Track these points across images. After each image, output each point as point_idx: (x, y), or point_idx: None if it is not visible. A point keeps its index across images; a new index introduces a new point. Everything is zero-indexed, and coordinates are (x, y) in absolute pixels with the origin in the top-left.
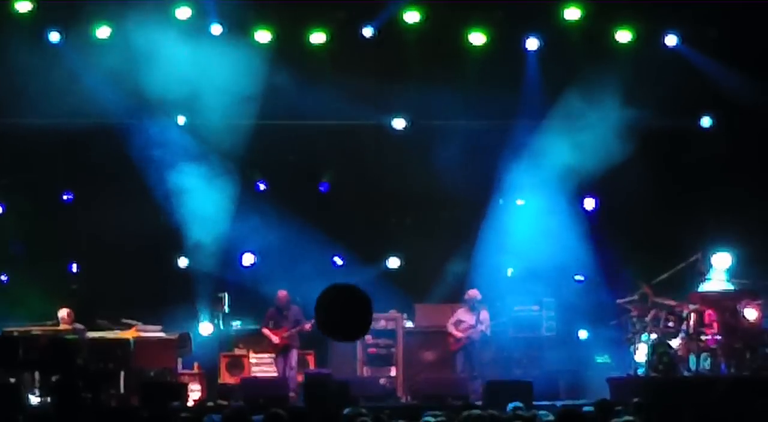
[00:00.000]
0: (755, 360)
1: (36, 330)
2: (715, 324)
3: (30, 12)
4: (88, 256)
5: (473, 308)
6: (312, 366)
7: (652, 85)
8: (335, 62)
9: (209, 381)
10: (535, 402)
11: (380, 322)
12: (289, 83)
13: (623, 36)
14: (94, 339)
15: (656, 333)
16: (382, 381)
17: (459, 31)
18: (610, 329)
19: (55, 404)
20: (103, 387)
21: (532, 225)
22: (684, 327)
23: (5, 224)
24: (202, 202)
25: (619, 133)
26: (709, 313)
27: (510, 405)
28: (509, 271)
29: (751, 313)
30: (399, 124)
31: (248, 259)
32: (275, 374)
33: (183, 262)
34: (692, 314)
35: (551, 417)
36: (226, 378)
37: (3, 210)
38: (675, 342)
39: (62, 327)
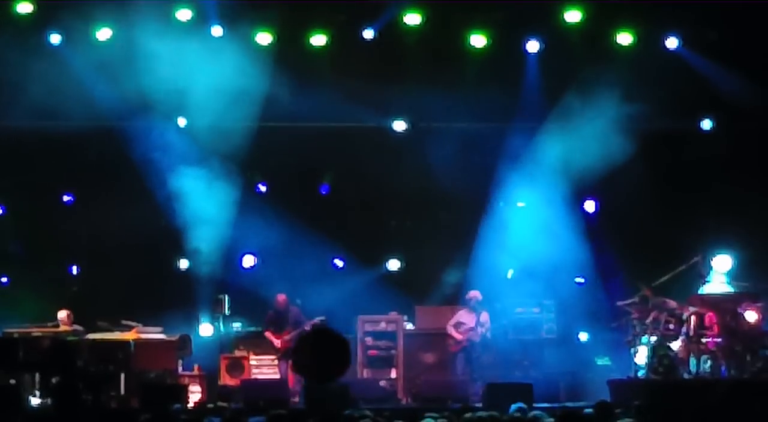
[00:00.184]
0: (755, 363)
1: (36, 331)
2: (715, 327)
3: (30, 13)
4: (88, 258)
5: (474, 309)
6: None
7: (653, 87)
8: (336, 64)
9: (209, 382)
10: (535, 404)
11: (380, 324)
12: (290, 85)
13: (624, 38)
14: (94, 341)
15: (656, 335)
16: (382, 383)
17: (459, 33)
18: (610, 331)
19: (55, 405)
20: (104, 388)
21: (532, 228)
22: (684, 329)
23: (5, 225)
24: (203, 204)
25: (619, 135)
26: (709, 316)
27: (513, 407)
28: (509, 273)
29: (751, 316)
30: (399, 126)
31: (248, 261)
32: (275, 376)
33: (183, 264)
34: (692, 316)
35: (550, 420)
36: (227, 380)
37: (3, 210)
38: (675, 345)
39: (62, 328)
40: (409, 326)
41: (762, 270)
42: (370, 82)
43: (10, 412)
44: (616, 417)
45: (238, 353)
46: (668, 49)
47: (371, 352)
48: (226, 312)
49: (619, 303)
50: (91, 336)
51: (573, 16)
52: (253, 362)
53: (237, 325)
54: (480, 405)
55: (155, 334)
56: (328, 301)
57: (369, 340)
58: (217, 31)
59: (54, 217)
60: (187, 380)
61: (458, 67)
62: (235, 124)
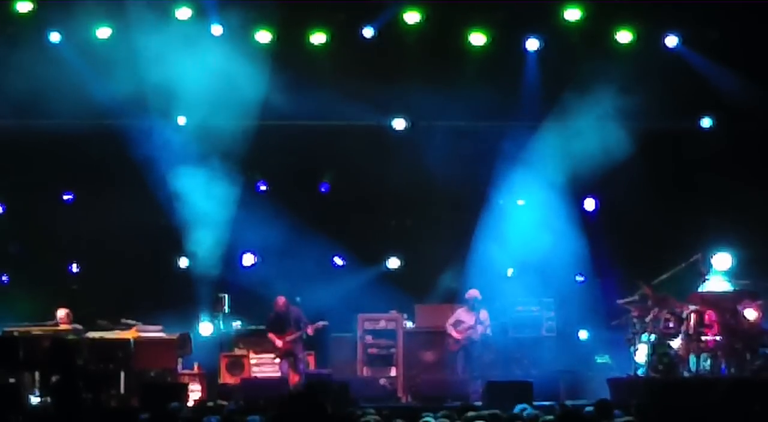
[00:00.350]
0: (755, 361)
1: (36, 330)
2: (715, 325)
3: (30, 12)
4: (88, 257)
5: (473, 308)
6: (312, 367)
7: (652, 85)
8: (335, 63)
9: (209, 381)
10: (535, 403)
11: (380, 323)
12: (286, 88)
13: (623, 37)
14: (94, 340)
15: (656, 333)
16: (382, 381)
17: (459, 31)
18: (610, 330)
19: (55, 404)
20: (104, 387)
21: (532, 226)
22: (684, 327)
23: (5, 224)
24: (203, 203)
25: (619, 133)
26: (709, 314)
27: (517, 407)
28: (509, 271)
29: (751, 314)
30: (399, 124)
31: (248, 260)
32: (275, 374)
33: (183, 263)
34: (692, 315)
35: (549, 418)
36: (227, 379)
37: (3, 210)
38: (675, 343)
39: (62, 327)
40: (409, 324)
41: (762, 268)
42: (370, 81)
43: (10, 411)
44: (616, 416)
45: (238, 352)
46: (668, 47)
47: (371, 351)
48: (226, 310)
49: (619, 301)
50: (90, 335)
51: (573, 14)
52: (253, 361)
53: (237, 324)
54: (480, 403)
55: (155, 333)
56: (328, 300)
57: (369, 339)
58: (216, 29)
59: (54, 217)
60: (187, 379)
61: (458, 66)
62: (235, 123)
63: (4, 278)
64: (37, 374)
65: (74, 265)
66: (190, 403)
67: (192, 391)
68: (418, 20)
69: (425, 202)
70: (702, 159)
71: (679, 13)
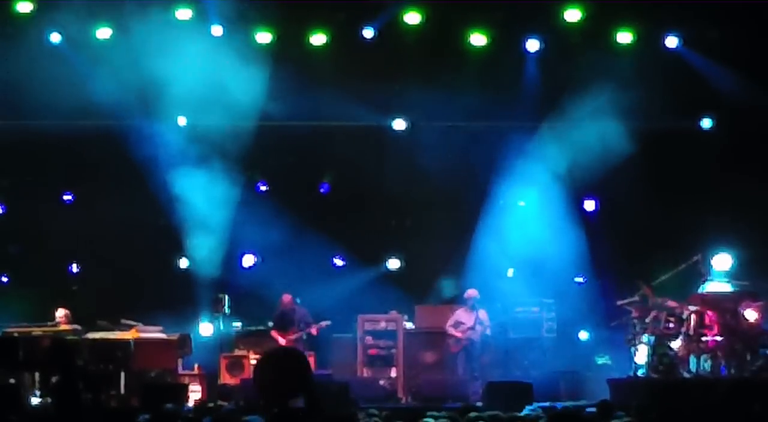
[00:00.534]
0: (755, 362)
1: (36, 330)
2: (715, 326)
3: (30, 12)
4: (88, 257)
5: (473, 308)
6: (312, 368)
7: (653, 86)
8: (336, 63)
9: (209, 381)
10: (534, 403)
11: (380, 323)
12: (290, 84)
13: (624, 37)
14: (94, 340)
15: (656, 334)
16: (382, 382)
17: (459, 32)
18: (610, 330)
19: (55, 405)
20: (104, 388)
21: (532, 227)
22: (684, 328)
23: (5, 224)
24: (202, 203)
25: (619, 133)
26: (709, 315)
27: (527, 408)
28: (510, 272)
29: (751, 315)
30: (399, 125)
31: (249, 260)
32: None
33: (183, 263)
34: (692, 315)
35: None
36: (227, 379)
37: (3, 210)
38: (675, 344)
39: (62, 327)
40: (409, 325)
41: (762, 269)
42: (370, 81)
43: (10, 411)
44: (616, 417)
45: (238, 352)
46: (668, 47)
47: (371, 351)
48: (226, 311)
49: (619, 302)
50: (90, 335)
51: (573, 14)
52: (253, 361)
53: (237, 324)
54: (480, 404)
55: (155, 333)
56: (328, 300)
57: (369, 339)
58: (217, 30)
59: (54, 217)
60: (187, 379)
61: (458, 66)
62: (235, 123)
63: (4, 278)
64: (37, 374)
65: (74, 265)
66: (190, 403)
67: (192, 392)
68: (418, 20)
69: (425, 202)
70: (702, 159)
71: (679, 13)
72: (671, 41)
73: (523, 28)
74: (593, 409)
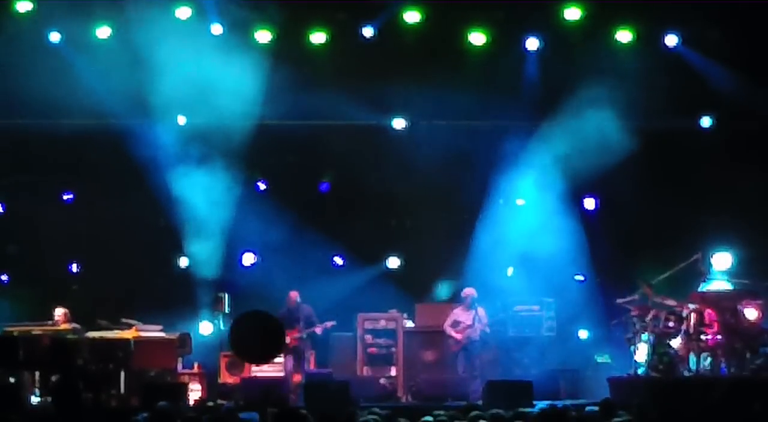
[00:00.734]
0: (755, 360)
1: (36, 330)
2: (715, 324)
3: (30, 12)
4: (88, 256)
5: (471, 306)
6: (312, 366)
7: (652, 85)
8: (335, 62)
9: (209, 381)
10: (535, 402)
11: (381, 322)
12: (290, 83)
13: (623, 36)
14: (94, 340)
15: (656, 333)
16: (382, 381)
17: (459, 31)
18: (610, 329)
19: (55, 404)
20: (103, 387)
21: (531, 225)
22: (684, 327)
23: (5, 224)
24: (202, 202)
25: (618, 132)
26: (709, 313)
27: (538, 406)
28: (509, 271)
29: (751, 313)
30: (399, 124)
31: (248, 259)
32: (275, 374)
33: (183, 262)
34: (692, 314)
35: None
36: (227, 378)
37: (3, 210)
38: (675, 342)
39: (62, 327)
40: (409, 324)
41: (762, 267)
42: (370, 80)
43: (10, 411)
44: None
45: None
46: (668, 47)
47: (371, 350)
48: (226, 310)
49: (619, 300)
50: (90, 334)
51: (573, 13)
52: None
53: None
54: (480, 402)
55: (155, 333)
56: (328, 299)
57: (369, 338)
58: (216, 29)
59: (54, 216)
60: (187, 378)
61: (458, 65)
62: (235, 123)
63: (4, 277)
64: (37, 373)
65: (74, 265)
66: (190, 402)
67: (192, 391)
68: (418, 20)
69: (425, 201)
70: (702, 158)
71: (679, 12)
72: (671, 40)
73: (522, 27)
74: (593, 408)
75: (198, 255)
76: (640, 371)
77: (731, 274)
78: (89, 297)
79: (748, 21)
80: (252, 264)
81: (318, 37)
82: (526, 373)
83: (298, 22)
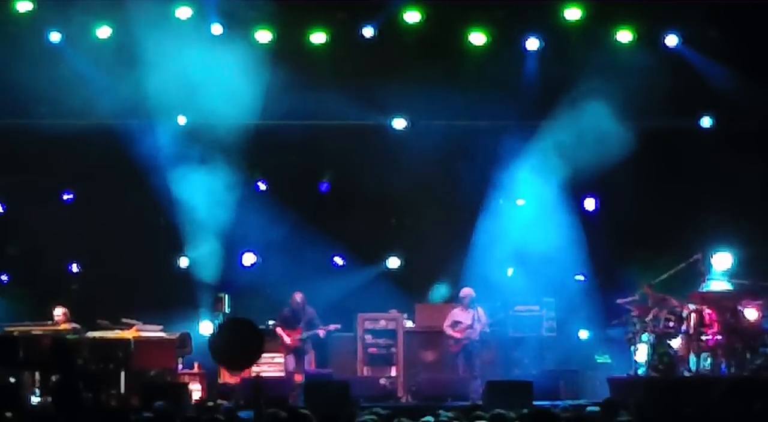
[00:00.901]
0: (755, 360)
1: (36, 329)
2: (715, 325)
3: (30, 12)
4: (87, 256)
5: (469, 306)
6: (313, 367)
7: (653, 84)
8: (335, 62)
9: (210, 380)
10: (535, 402)
11: (380, 322)
12: (289, 83)
13: (624, 36)
14: (94, 339)
15: (656, 333)
16: (382, 381)
17: (459, 31)
18: (610, 329)
19: (55, 404)
20: (104, 387)
21: (532, 225)
22: (684, 327)
23: (5, 224)
24: (202, 202)
25: (619, 132)
26: (709, 313)
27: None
28: (509, 271)
29: (751, 313)
30: (399, 124)
31: (249, 259)
32: (276, 374)
33: (183, 262)
34: (692, 314)
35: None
36: (227, 378)
37: (3, 210)
38: (675, 342)
39: (62, 326)
40: (409, 324)
41: (762, 267)
42: (370, 80)
43: (10, 410)
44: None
45: None
46: (668, 47)
47: (371, 350)
48: (226, 310)
49: (619, 300)
50: (90, 334)
51: (573, 13)
52: None
53: None
54: (480, 403)
55: (155, 333)
56: (328, 299)
57: (369, 338)
58: (216, 29)
59: (54, 216)
60: (187, 378)
61: (458, 65)
62: (235, 122)
63: (4, 277)
64: (37, 373)
65: (74, 265)
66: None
67: (192, 391)
68: (417, 19)
69: (425, 201)
70: (702, 158)
71: (679, 12)
72: (671, 40)
73: (522, 27)
74: (593, 408)
75: (198, 255)
76: (640, 371)
77: (731, 274)
78: (89, 297)
79: (748, 21)
80: (252, 264)
81: (318, 37)
82: (526, 373)
83: (297, 22)
